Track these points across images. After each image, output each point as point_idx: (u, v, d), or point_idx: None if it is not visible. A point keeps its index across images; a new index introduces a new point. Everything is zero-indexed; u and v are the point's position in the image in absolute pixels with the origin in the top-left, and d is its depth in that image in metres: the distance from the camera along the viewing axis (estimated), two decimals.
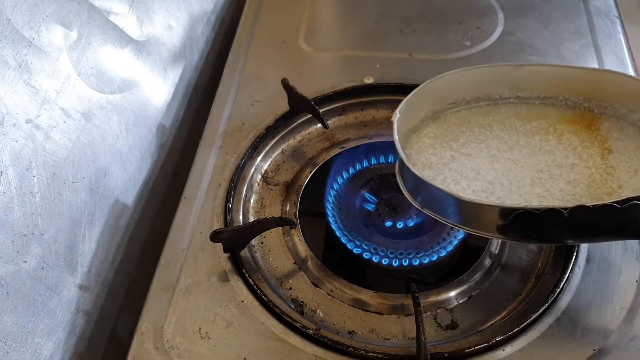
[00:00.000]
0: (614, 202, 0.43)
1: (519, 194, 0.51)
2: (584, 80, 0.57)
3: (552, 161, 0.54)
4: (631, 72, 0.73)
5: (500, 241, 0.59)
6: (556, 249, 0.57)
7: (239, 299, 0.53)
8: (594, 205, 0.44)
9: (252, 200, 0.64)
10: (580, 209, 0.44)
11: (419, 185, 0.51)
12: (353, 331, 0.53)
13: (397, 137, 0.52)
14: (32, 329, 0.48)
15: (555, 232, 0.47)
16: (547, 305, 0.51)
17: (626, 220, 0.45)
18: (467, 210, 0.49)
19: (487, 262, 0.57)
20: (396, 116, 0.54)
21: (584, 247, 0.56)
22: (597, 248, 0.56)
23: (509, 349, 0.49)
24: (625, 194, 0.50)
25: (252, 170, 0.65)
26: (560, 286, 0.52)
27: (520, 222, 0.46)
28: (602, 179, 0.53)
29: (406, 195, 0.53)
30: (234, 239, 0.55)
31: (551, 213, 0.44)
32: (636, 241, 0.56)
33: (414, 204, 0.53)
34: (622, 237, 0.50)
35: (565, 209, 0.44)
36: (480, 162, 0.54)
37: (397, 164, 0.56)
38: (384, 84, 0.72)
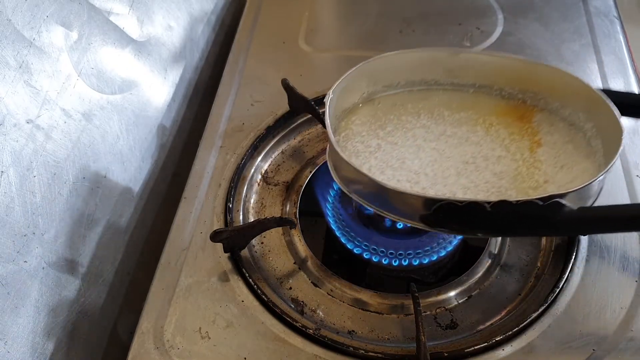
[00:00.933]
0: (536, 199, 0.43)
1: (444, 185, 0.50)
2: (519, 71, 0.57)
3: (479, 152, 0.53)
4: (631, 73, 0.73)
5: (499, 241, 0.59)
6: (556, 249, 0.57)
7: (239, 299, 0.53)
8: (516, 201, 0.43)
9: (252, 200, 0.64)
10: (502, 204, 0.43)
11: (348, 171, 0.50)
12: (353, 331, 0.53)
13: (328, 121, 0.50)
14: (33, 329, 0.48)
15: (478, 225, 0.46)
16: (546, 305, 0.51)
17: (547, 217, 0.44)
18: (392, 199, 0.47)
19: (487, 262, 0.57)
20: (329, 97, 0.52)
21: (584, 248, 0.56)
22: (596, 248, 0.56)
23: (508, 349, 0.49)
24: (550, 189, 0.49)
25: (252, 170, 0.65)
26: (560, 286, 0.52)
27: (442, 213, 0.45)
28: (528, 173, 0.52)
29: (336, 180, 0.52)
30: (234, 239, 0.55)
31: (474, 206, 0.44)
32: (637, 241, 0.56)
33: (343, 189, 0.51)
34: (543, 233, 0.50)
35: (488, 202, 0.43)
36: (406, 152, 0.53)
37: (327, 147, 0.55)
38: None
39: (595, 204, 0.48)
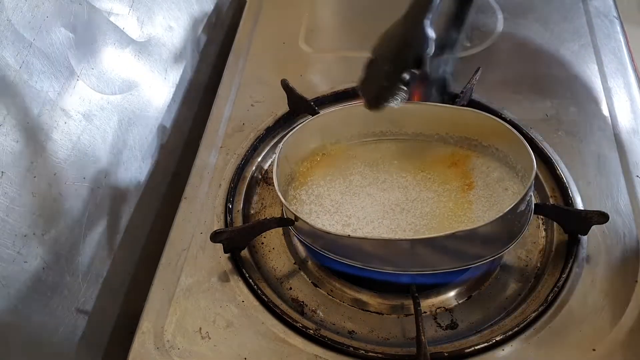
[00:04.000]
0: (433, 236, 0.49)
1: (372, 227, 0.55)
2: (452, 118, 0.60)
3: (406, 197, 0.58)
4: (631, 73, 0.73)
5: None
6: (556, 249, 0.57)
7: (240, 299, 0.53)
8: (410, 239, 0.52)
9: (252, 201, 0.64)
10: (400, 242, 0.51)
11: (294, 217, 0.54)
12: (353, 331, 0.53)
13: (276, 176, 0.55)
14: (33, 329, 0.48)
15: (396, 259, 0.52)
16: (546, 305, 0.51)
17: (447, 250, 0.50)
18: (324, 239, 0.53)
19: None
20: (279, 150, 0.57)
21: (584, 248, 0.56)
22: (596, 248, 0.56)
23: (508, 349, 0.49)
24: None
25: (253, 170, 0.65)
26: (560, 286, 0.52)
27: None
28: (459, 214, 0.55)
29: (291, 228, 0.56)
30: (234, 239, 0.55)
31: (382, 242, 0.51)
32: (636, 241, 0.56)
33: (293, 232, 0.56)
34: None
35: (396, 240, 0.52)
36: (342, 197, 0.58)
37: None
38: None
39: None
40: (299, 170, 0.61)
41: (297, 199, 0.59)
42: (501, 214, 0.48)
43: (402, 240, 0.52)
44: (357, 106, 0.60)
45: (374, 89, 0.55)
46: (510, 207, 0.48)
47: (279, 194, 0.53)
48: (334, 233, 0.52)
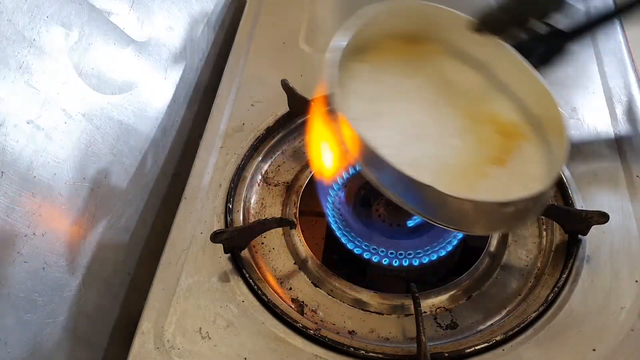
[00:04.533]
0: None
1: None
2: (529, 84, 0.53)
3: (438, 129, 0.51)
4: (631, 73, 0.73)
5: (499, 242, 0.59)
6: (556, 249, 0.57)
7: (240, 299, 0.53)
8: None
9: (252, 201, 0.64)
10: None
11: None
12: (353, 331, 0.53)
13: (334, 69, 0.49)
14: (33, 329, 0.48)
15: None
16: (546, 305, 0.51)
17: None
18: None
19: (487, 262, 0.57)
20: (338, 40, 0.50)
21: (584, 247, 0.56)
22: (596, 248, 0.56)
23: (508, 349, 0.49)
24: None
25: (253, 170, 0.65)
26: (560, 286, 0.53)
27: None
28: (472, 180, 0.48)
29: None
30: (234, 240, 0.55)
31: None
32: (637, 240, 0.56)
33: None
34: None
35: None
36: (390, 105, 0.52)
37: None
38: None
39: None
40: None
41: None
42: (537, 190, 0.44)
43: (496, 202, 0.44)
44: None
45: (497, 15, 0.51)
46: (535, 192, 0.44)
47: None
48: (419, 180, 0.43)
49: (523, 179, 0.48)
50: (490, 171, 0.49)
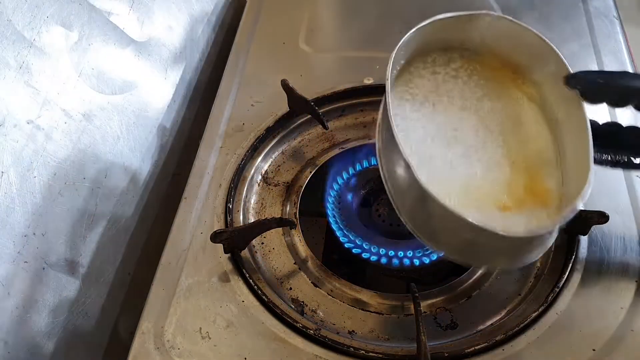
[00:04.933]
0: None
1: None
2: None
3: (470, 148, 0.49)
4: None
5: None
6: (556, 249, 0.57)
7: (240, 299, 0.53)
8: None
9: (252, 201, 0.64)
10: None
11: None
12: (353, 331, 0.53)
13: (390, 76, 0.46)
14: (33, 329, 0.48)
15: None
16: (546, 305, 0.51)
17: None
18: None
19: None
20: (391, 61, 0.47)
21: (584, 248, 0.56)
22: (596, 248, 0.56)
23: (508, 349, 0.49)
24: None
25: (253, 170, 0.65)
26: (560, 286, 0.52)
27: None
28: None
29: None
30: (234, 240, 0.55)
31: None
32: (637, 241, 0.56)
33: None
34: None
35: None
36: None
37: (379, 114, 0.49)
38: (384, 85, 0.72)
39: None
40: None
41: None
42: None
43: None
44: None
45: (598, 81, 0.47)
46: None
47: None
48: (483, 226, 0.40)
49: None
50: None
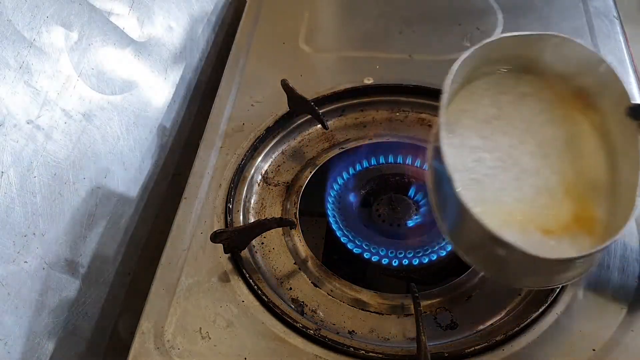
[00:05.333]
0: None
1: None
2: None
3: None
4: (631, 73, 0.73)
5: None
6: None
7: (240, 299, 0.53)
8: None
9: (252, 201, 0.64)
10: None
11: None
12: (353, 331, 0.53)
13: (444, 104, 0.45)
14: (33, 329, 0.48)
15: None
16: (546, 305, 0.51)
17: None
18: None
19: None
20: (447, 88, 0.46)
21: None
22: None
23: (508, 349, 0.49)
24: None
25: (253, 170, 0.65)
26: (560, 286, 0.52)
27: None
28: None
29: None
30: (234, 240, 0.55)
31: None
32: (637, 241, 0.56)
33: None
34: None
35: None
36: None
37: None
38: (384, 85, 0.72)
39: None
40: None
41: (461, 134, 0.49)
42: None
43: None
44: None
45: None
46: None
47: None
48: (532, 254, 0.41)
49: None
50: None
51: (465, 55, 0.48)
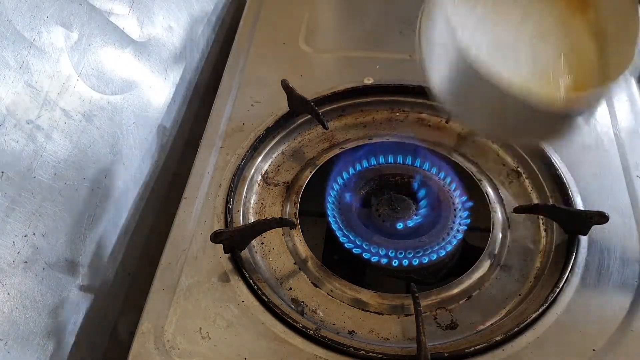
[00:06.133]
0: None
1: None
2: None
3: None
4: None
5: (499, 242, 0.59)
6: (556, 249, 0.57)
7: (240, 299, 0.53)
8: None
9: (252, 201, 0.64)
10: None
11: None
12: (353, 331, 0.53)
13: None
14: (33, 329, 0.48)
15: None
16: (546, 305, 0.51)
17: None
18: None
19: (487, 262, 0.57)
20: None
21: (584, 248, 0.56)
22: (596, 248, 0.56)
23: (508, 349, 0.49)
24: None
25: (253, 170, 0.65)
26: (560, 286, 0.53)
27: None
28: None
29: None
30: (234, 240, 0.55)
31: None
32: (637, 241, 0.56)
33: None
34: None
35: None
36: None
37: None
38: (384, 85, 0.72)
39: None
40: None
41: None
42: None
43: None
44: None
45: None
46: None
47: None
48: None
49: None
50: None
51: None
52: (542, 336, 0.50)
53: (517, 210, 0.60)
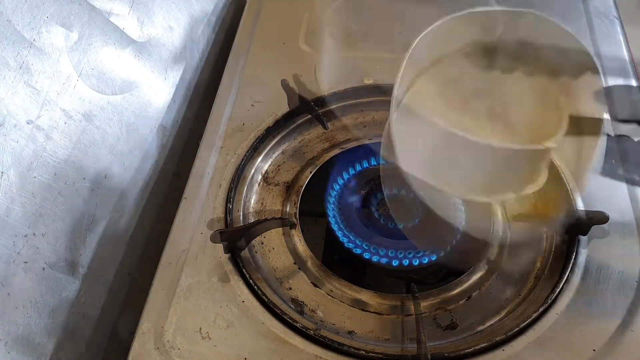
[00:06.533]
0: None
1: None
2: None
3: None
4: (631, 73, 0.73)
5: (499, 242, 0.59)
6: (555, 250, 0.57)
7: (240, 299, 0.53)
8: None
9: (252, 201, 0.64)
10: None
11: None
12: (353, 331, 0.53)
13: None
14: (33, 329, 0.48)
15: None
16: (546, 305, 0.51)
17: None
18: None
19: (487, 262, 0.57)
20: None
21: (584, 248, 0.56)
22: (596, 249, 0.56)
23: (508, 349, 0.49)
24: None
25: (253, 170, 0.65)
26: (560, 287, 0.52)
27: None
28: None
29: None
30: (234, 240, 0.55)
31: None
32: (637, 241, 0.56)
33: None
34: None
35: None
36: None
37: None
38: (384, 85, 0.72)
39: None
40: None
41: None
42: None
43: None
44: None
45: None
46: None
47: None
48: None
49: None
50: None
51: (433, 26, 0.49)
52: (542, 336, 0.50)
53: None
